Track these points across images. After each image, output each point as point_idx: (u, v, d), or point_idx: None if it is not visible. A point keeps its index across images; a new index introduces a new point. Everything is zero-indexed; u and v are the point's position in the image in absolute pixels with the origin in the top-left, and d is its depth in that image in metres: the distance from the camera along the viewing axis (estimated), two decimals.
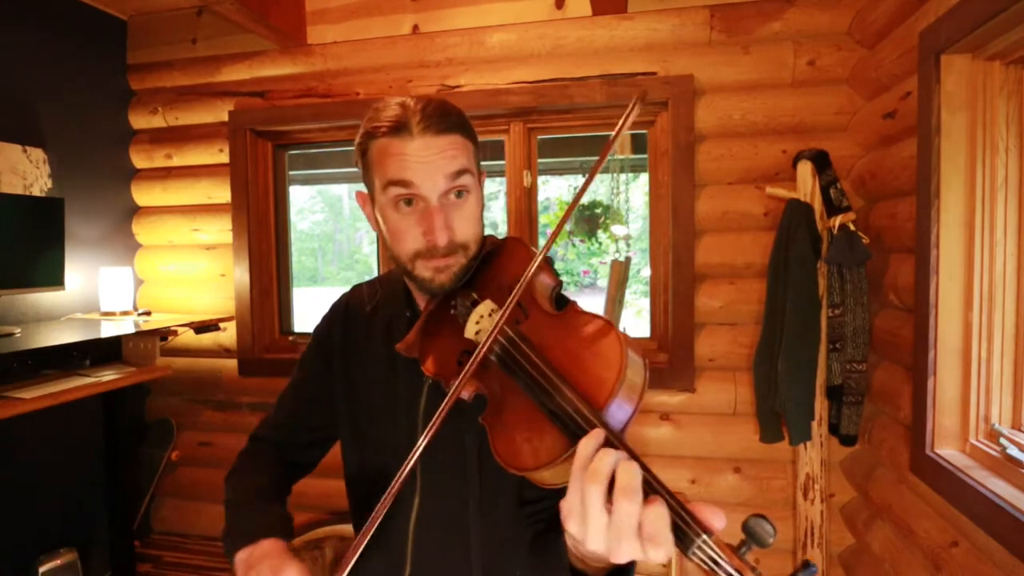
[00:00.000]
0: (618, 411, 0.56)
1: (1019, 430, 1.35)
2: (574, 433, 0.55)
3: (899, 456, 1.62)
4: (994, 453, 1.32)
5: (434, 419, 0.62)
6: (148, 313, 2.44)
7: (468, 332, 0.71)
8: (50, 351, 1.84)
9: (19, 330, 1.98)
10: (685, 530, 0.48)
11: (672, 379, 2.12)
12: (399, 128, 0.74)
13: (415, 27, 2.28)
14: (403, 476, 0.61)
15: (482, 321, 0.71)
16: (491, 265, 0.81)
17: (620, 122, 0.65)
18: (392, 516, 0.85)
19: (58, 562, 2.12)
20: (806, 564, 0.46)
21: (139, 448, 2.59)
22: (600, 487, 0.49)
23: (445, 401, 0.62)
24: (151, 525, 2.66)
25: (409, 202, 0.75)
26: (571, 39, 2.15)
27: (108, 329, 2.09)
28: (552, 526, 0.78)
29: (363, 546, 0.60)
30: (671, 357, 2.13)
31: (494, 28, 2.20)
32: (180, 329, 2.31)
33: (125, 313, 2.36)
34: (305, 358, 1.00)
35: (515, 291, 0.64)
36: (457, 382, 0.62)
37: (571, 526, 0.51)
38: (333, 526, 1.44)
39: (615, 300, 2.99)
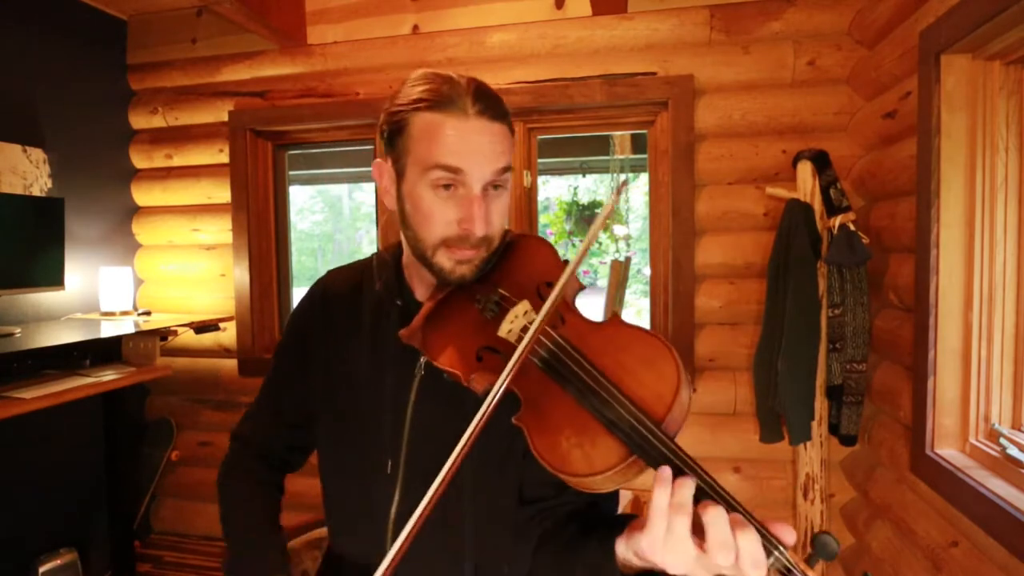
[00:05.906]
0: (672, 427, 0.58)
1: (1019, 430, 1.35)
2: (638, 445, 0.56)
3: (899, 456, 1.62)
4: (994, 453, 1.32)
5: (480, 414, 0.57)
6: (148, 313, 2.44)
7: (502, 331, 0.69)
8: (50, 351, 1.84)
9: (19, 330, 1.98)
10: (765, 544, 0.55)
11: None
12: (450, 104, 0.69)
13: (415, 27, 2.28)
14: (443, 478, 0.57)
15: (517, 321, 0.69)
16: (508, 260, 0.77)
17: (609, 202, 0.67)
18: (366, 514, 0.81)
19: (58, 562, 2.12)
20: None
21: (139, 448, 2.59)
22: (687, 518, 0.53)
23: (487, 401, 0.58)
24: (151, 525, 2.66)
25: (448, 186, 0.70)
26: (571, 39, 2.15)
27: (108, 329, 2.09)
28: (562, 524, 0.76)
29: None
30: None
31: (494, 28, 2.20)
32: (180, 329, 2.31)
33: (125, 313, 2.36)
34: (281, 349, 0.93)
35: (556, 290, 0.62)
36: (499, 383, 0.59)
37: (654, 557, 0.55)
38: None
39: (615, 300, 3.00)
